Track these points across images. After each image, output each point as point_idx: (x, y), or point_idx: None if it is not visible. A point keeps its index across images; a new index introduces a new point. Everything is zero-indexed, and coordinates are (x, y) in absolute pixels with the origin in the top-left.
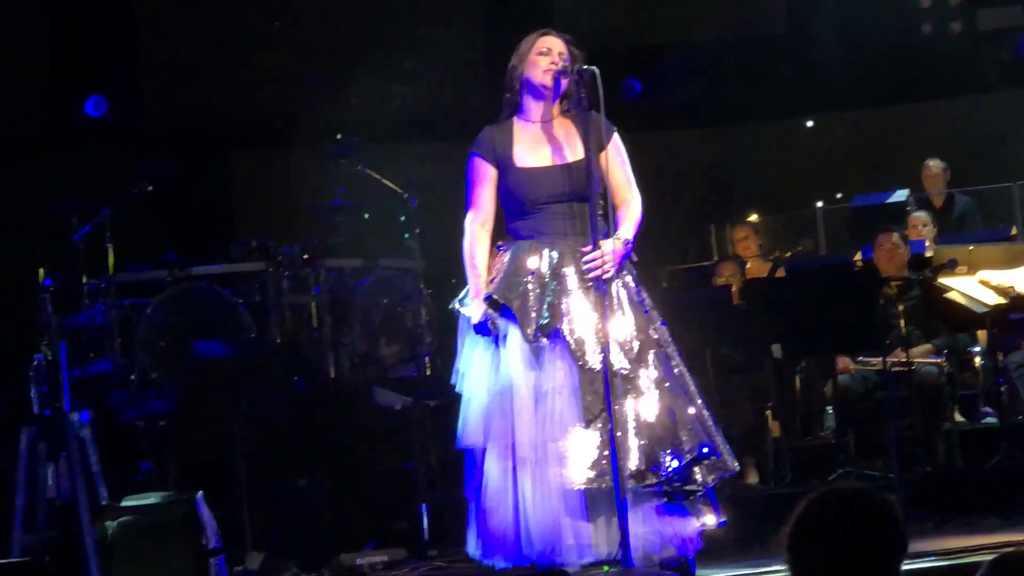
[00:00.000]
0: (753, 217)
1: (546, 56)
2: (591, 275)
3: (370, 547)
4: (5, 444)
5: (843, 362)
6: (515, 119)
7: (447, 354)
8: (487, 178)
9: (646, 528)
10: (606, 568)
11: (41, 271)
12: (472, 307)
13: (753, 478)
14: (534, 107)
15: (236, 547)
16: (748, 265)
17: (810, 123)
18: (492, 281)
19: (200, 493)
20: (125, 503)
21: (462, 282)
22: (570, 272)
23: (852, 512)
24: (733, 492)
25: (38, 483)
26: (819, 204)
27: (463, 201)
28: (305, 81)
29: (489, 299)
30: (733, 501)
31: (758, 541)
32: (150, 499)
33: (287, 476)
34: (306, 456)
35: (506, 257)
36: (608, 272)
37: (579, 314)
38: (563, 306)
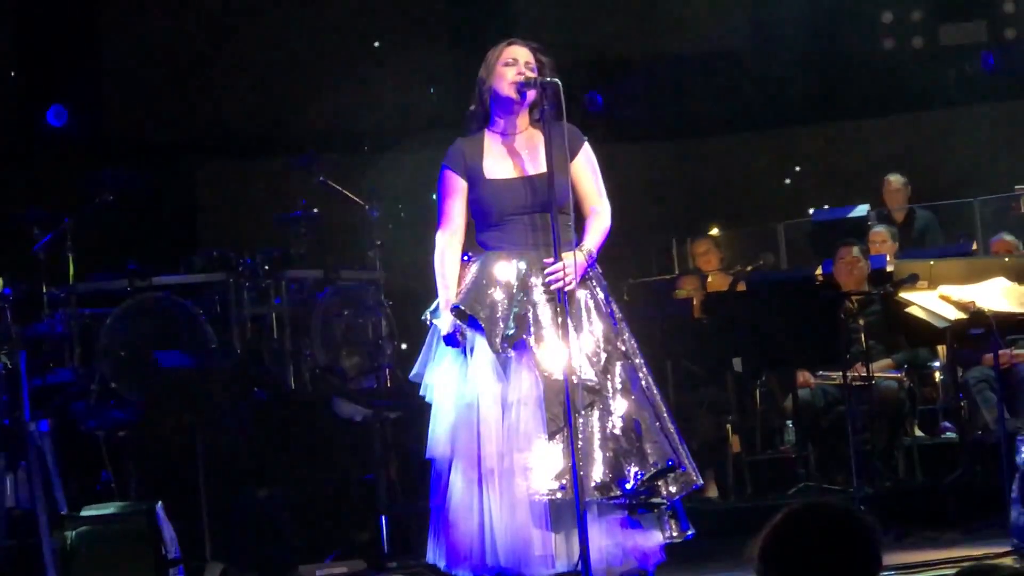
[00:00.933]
0: (714, 231)
1: (512, 67)
2: (552, 287)
3: (330, 558)
4: None
5: (803, 376)
6: (485, 131)
7: (407, 365)
8: (458, 191)
9: (608, 540)
10: None
11: (1, 280)
12: (441, 318)
13: (713, 492)
14: (503, 119)
15: (195, 558)
16: (709, 279)
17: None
18: (460, 292)
19: (160, 503)
20: (84, 513)
21: (429, 294)
22: (537, 283)
23: (829, 529)
24: (693, 505)
25: None
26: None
27: (424, 213)
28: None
29: (456, 309)
30: (693, 514)
31: (718, 554)
32: (110, 509)
33: (247, 487)
34: (267, 467)
35: (474, 268)
36: (569, 284)
37: (545, 325)
38: (529, 317)
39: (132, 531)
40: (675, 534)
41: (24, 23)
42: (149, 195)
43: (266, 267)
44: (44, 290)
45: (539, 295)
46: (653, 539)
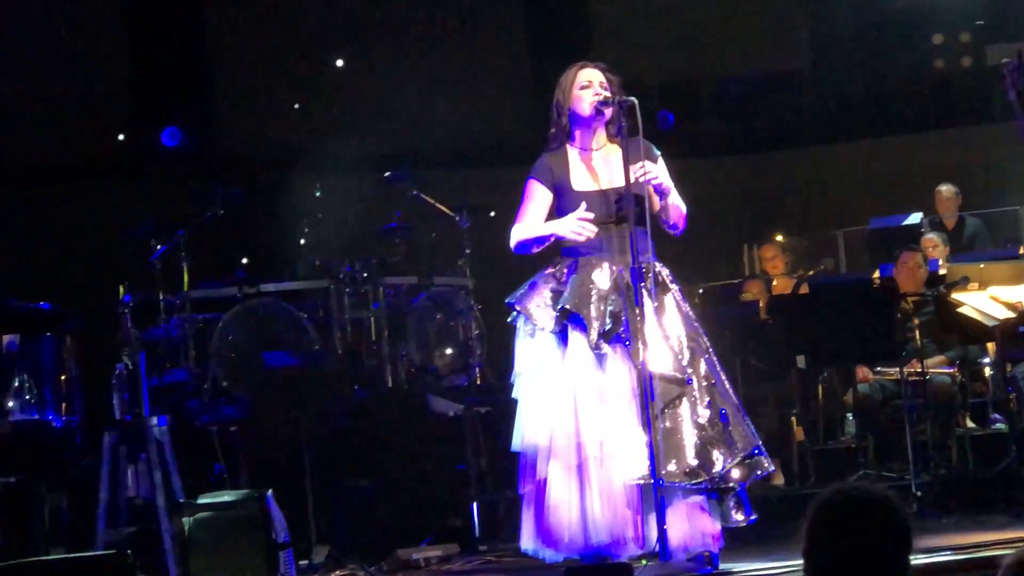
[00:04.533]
0: (778, 238)
1: (588, 89)
2: (640, 176)
3: (426, 543)
4: (90, 447)
5: (862, 372)
6: (567, 147)
7: (496, 364)
8: (541, 199)
9: (688, 524)
10: (644, 562)
11: (122, 288)
12: (543, 317)
13: (779, 479)
14: (583, 136)
15: (303, 542)
16: (774, 283)
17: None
18: (558, 293)
19: (270, 491)
20: (201, 500)
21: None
22: (628, 285)
23: (858, 511)
24: (760, 492)
25: (120, 483)
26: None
27: (509, 222)
28: (359, 111)
29: (562, 309)
30: (759, 501)
31: (781, 538)
32: (224, 496)
33: (349, 477)
34: (367, 458)
35: (567, 270)
36: (651, 174)
37: (640, 323)
38: (624, 315)
39: (245, 517)
40: (740, 519)
41: (137, 47)
42: (256, 208)
43: (365, 274)
44: (161, 297)
45: (631, 295)
46: (718, 522)
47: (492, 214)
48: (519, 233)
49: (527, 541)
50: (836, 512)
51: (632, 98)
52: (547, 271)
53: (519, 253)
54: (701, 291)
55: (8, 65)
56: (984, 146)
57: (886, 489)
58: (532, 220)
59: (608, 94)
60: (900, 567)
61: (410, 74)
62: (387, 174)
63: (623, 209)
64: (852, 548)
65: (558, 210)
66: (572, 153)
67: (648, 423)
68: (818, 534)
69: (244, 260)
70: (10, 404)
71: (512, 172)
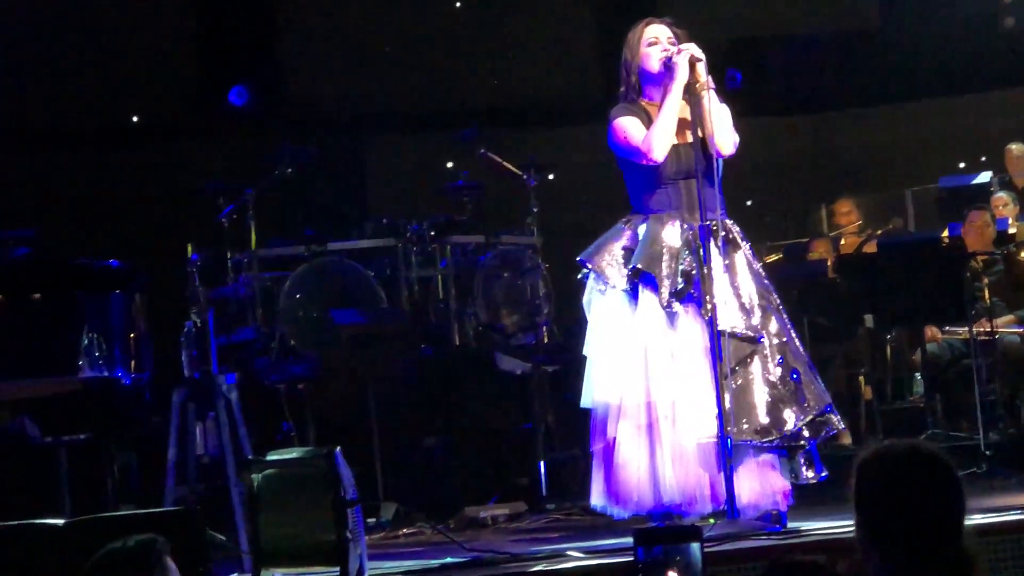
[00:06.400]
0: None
1: (655, 45)
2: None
3: (493, 501)
4: (159, 404)
5: (931, 331)
6: (641, 102)
7: (563, 323)
8: (641, 121)
9: (758, 482)
10: (712, 520)
11: (189, 247)
12: (614, 275)
13: (846, 439)
14: (655, 92)
15: (371, 499)
16: (842, 242)
17: None
18: (629, 251)
19: (338, 448)
20: (269, 457)
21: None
22: (700, 243)
23: (907, 465)
24: (829, 451)
25: (188, 440)
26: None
27: (577, 181)
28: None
29: (634, 269)
30: (828, 460)
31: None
32: (292, 454)
33: (416, 435)
34: (434, 417)
35: (641, 230)
36: (671, 52)
37: (710, 281)
38: (695, 273)
39: (313, 474)
40: (811, 476)
41: (207, 10)
42: (324, 167)
43: (432, 233)
44: (229, 256)
45: (703, 253)
46: (790, 480)
47: (551, 177)
48: (652, 139)
49: (596, 498)
50: (884, 467)
51: (695, 48)
52: (618, 227)
53: (661, 155)
54: (767, 248)
55: (74, 26)
56: None
57: (937, 446)
58: (645, 129)
59: (675, 48)
60: (952, 522)
61: (477, 33)
62: (456, 133)
63: (694, 164)
64: (902, 502)
65: (635, 163)
66: (647, 108)
67: (717, 382)
68: (867, 490)
69: (311, 219)
70: (80, 362)
71: (578, 131)
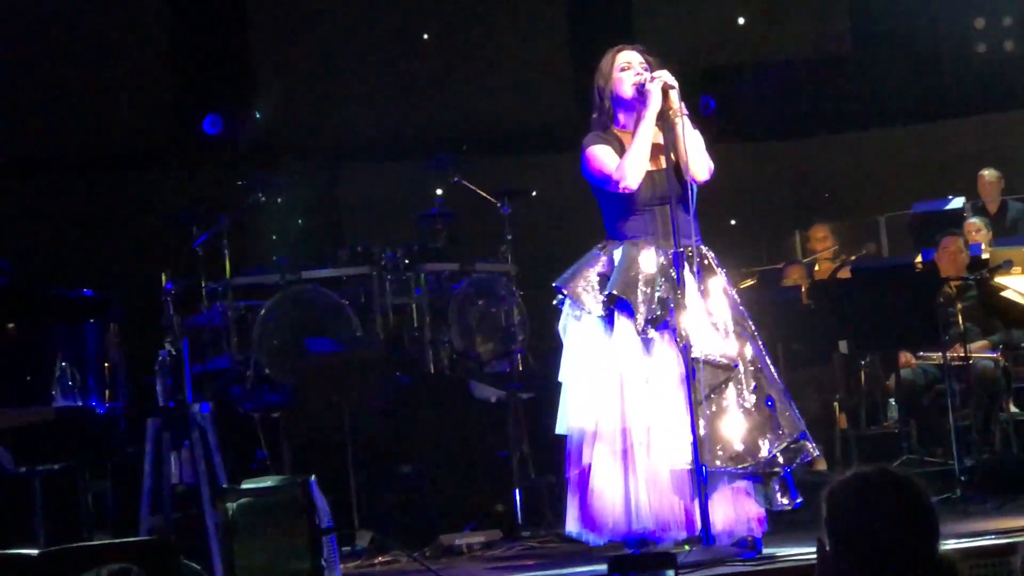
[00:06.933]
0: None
1: (628, 70)
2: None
3: (469, 528)
4: (133, 433)
5: (905, 357)
6: (614, 129)
7: (538, 350)
8: (613, 150)
9: (732, 509)
10: (687, 547)
11: (164, 275)
12: (590, 301)
13: (821, 465)
14: (627, 118)
15: (346, 527)
16: (816, 267)
17: None
18: (605, 277)
19: (313, 477)
20: (244, 486)
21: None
22: (675, 270)
23: (878, 493)
24: (803, 478)
25: (163, 469)
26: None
27: (551, 209)
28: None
29: (609, 295)
30: (803, 486)
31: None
32: (267, 482)
33: (392, 463)
34: (409, 444)
35: (616, 256)
36: (644, 77)
37: (685, 308)
38: (670, 300)
39: (288, 502)
40: (785, 502)
41: (178, 35)
42: (297, 195)
43: (406, 261)
44: (203, 284)
45: (678, 280)
46: (763, 507)
47: (534, 193)
48: (625, 167)
49: (571, 524)
50: (854, 495)
51: (668, 74)
52: (593, 253)
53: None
54: (740, 275)
55: (49, 54)
56: None
57: (908, 471)
58: (618, 158)
59: (647, 74)
60: (925, 550)
61: (451, 61)
62: (428, 160)
63: (668, 191)
64: (874, 529)
65: (610, 191)
66: (619, 135)
67: (692, 409)
68: (837, 518)
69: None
70: (54, 391)
71: (553, 158)
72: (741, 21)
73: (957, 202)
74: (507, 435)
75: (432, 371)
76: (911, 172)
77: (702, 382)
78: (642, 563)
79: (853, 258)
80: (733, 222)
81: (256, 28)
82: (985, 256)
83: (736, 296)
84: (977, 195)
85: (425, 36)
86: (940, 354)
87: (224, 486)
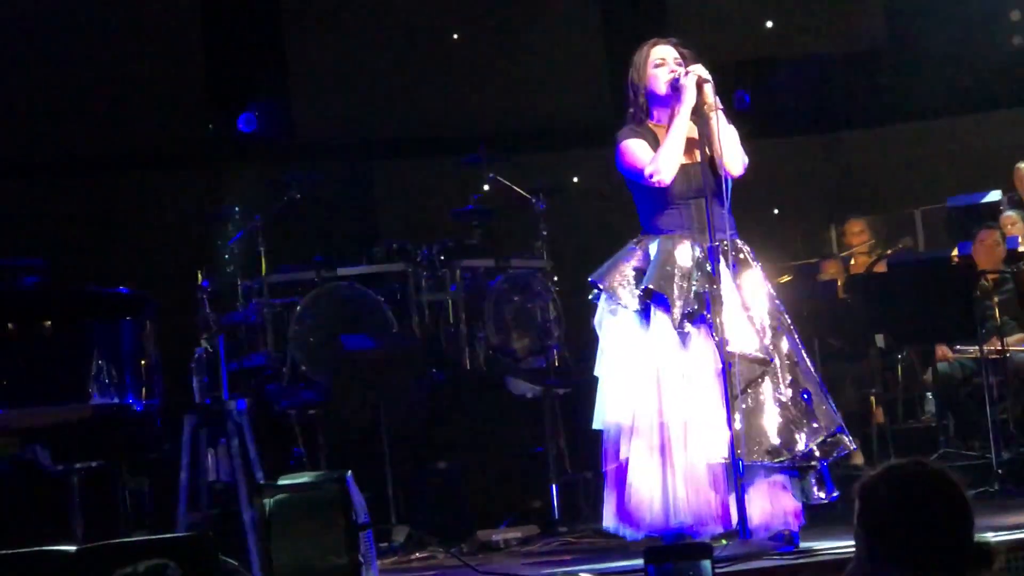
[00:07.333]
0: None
1: (662, 67)
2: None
3: (505, 524)
4: (170, 431)
5: (942, 350)
6: (649, 123)
7: (574, 346)
8: (648, 144)
9: (769, 502)
10: (724, 541)
11: (200, 273)
12: (626, 295)
13: (858, 459)
14: (661, 113)
15: (383, 523)
16: (852, 262)
17: None
18: (640, 271)
19: (350, 472)
20: (281, 482)
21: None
22: (711, 264)
23: (913, 486)
24: (840, 472)
25: (200, 466)
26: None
27: (586, 204)
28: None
29: (645, 289)
30: (840, 480)
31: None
32: (304, 478)
33: (428, 459)
34: (445, 441)
35: (652, 249)
36: (678, 73)
37: (721, 302)
38: (707, 295)
39: (325, 498)
40: (822, 496)
41: (213, 33)
42: (333, 193)
43: (442, 257)
44: (239, 282)
45: (714, 274)
46: (800, 501)
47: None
48: (659, 161)
49: (608, 519)
50: (888, 488)
51: (702, 69)
52: (629, 248)
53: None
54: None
55: (83, 53)
56: None
57: (943, 465)
58: (652, 151)
59: (682, 69)
60: (959, 542)
61: (485, 57)
62: (464, 157)
63: (703, 185)
64: (910, 521)
65: (646, 184)
66: (655, 129)
67: (728, 403)
68: (871, 512)
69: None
70: (91, 389)
71: (588, 154)
72: (773, 19)
73: (994, 195)
74: (543, 431)
75: (468, 367)
76: (947, 165)
77: (738, 376)
78: (678, 553)
79: (889, 252)
80: (776, 211)
81: (290, 26)
82: (1022, 249)
83: (772, 290)
84: (1013, 188)
85: (455, 37)
86: (977, 348)
87: (261, 482)
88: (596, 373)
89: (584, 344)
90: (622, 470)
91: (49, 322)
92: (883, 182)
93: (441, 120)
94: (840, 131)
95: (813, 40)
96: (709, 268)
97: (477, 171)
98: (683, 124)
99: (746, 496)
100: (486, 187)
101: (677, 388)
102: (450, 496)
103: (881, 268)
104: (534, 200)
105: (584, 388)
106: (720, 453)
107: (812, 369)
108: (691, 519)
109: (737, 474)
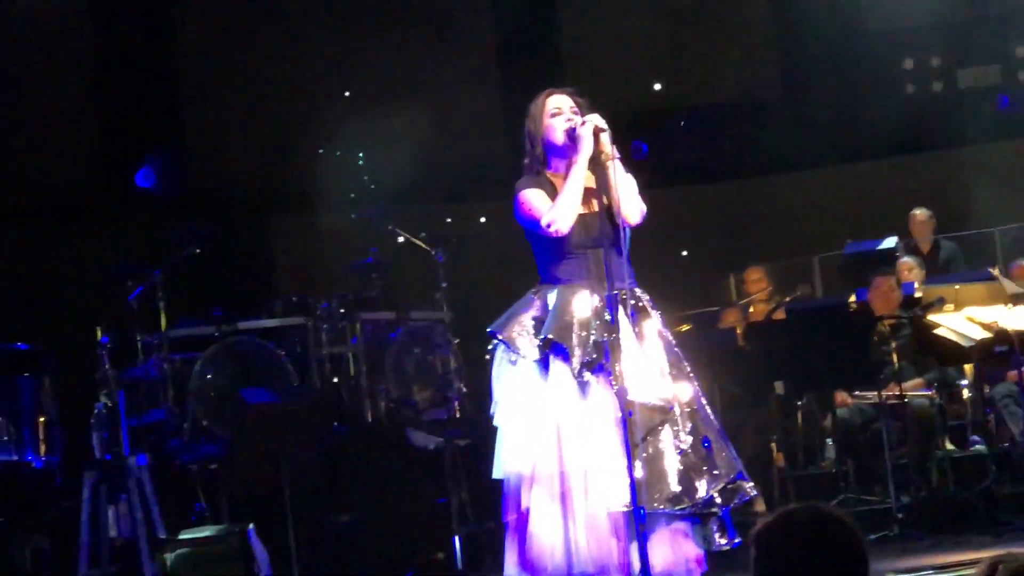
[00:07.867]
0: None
1: (559, 116)
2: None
3: None
4: (70, 487)
5: (841, 396)
6: (546, 173)
7: (474, 397)
8: (546, 194)
9: (670, 550)
10: None
11: (99, 329)
12: (525, 345)
13: (759, 506)
14: (559, 163)
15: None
16: (751, 309)
17: None
18: (539, 321)
19: (251, 525)
20: (182, 536)
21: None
22: (610, 313)
23: (809, 531)
24: (740, 518)
25: (101, 522)
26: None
27: (485, 255)
28: (332, 152)
29: (544, 339)
30: (740, 527)
31: None
32: (205, 532)
33: (330, 512)
34: (347, 493)
35: (551, 300)
36: (575, 122)
37: (620, 351)
38: (606, 344)
39: (227, 551)
40: (723, 542)
41: (111, 92)
42: (231, 246)
43: (342, 310)
44: (138, 337)
45: (613, 324)
46: (702, 548)
47: (475, 230)
48: (557, 211)
49: (511, 569)
50: (782, 534)
51: (599, 118)
52: (527, 297)
53: (566, 226)
54: (676, 318)
55: None
56: (957, 169)
57: (839, 509)
58: (550, 201)
59: (578, 119)
60: None
61: (382, 111)
62: (362, 210)
63: (600, 234)
64: (803, 570)
65: (542, 234)
66: (551, 179)
67: (628, 451)
68: (766, 558)
69: (220, 298)
70: None
71: (486, 205)
72: (669, 69)
73: (890, 241)
74: (445, 482)
75: (369, 420)
76: (843, 212)
77: (638, 424)
78: None
79: (787, 299)
80: (677, 258)
81: (186, 81)
82: (918, 295)
83: (671, 338)
84: (909, 234)
85: (347, 94)
86: (876, 393)
87: (162, 537)
88: (495, 423)
89: (486, 394)
90: (523, 519)
91: None
92: (780, 230)
93: (336, 172)
94: (737, 179)
95: (709, 90)
96: (608, 317)
97: (375, 224)
98: (580, 173)
99: (648, 543)
100: (385, 239)
101: (577, 437)
102: (353, 549)
103: (780, 315)
104: (433, 252)
105: (486, 438)
106: (621, 501)
107: (712, 416)
108: (593, 567)
109: (638, 522)
